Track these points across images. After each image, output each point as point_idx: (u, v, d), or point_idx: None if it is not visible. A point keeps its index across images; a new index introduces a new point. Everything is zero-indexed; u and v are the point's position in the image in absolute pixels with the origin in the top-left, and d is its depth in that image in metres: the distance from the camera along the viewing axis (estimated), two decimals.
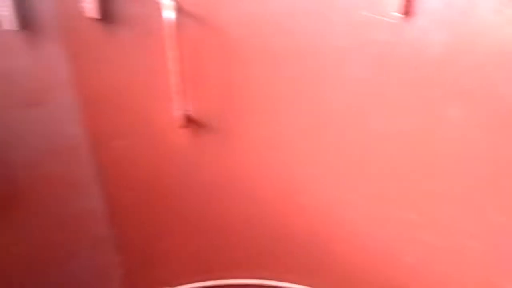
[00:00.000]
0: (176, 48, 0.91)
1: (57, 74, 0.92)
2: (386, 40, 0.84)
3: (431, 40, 0.80)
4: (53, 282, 1.16)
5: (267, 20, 0.93)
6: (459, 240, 0.95)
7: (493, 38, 0.74)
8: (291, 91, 1.00)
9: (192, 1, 0.92)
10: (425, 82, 0.84)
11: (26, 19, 0.84)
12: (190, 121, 1.05)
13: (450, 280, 1.01)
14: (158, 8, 0.90)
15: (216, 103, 1.04)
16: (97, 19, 0.90)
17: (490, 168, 0.84)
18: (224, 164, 1.14)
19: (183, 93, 0.98)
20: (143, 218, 1.18)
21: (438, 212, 0.95)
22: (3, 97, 0.86)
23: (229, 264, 1.31)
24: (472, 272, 0.96)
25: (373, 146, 0.97)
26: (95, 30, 0.91)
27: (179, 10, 0.90)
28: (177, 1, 0.90)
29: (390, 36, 0.83)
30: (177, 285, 1.31)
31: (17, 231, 1.01)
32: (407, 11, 0.80)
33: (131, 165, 1.09)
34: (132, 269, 1.26)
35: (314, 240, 1.21)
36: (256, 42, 0.95)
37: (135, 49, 0.95)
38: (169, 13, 0.88)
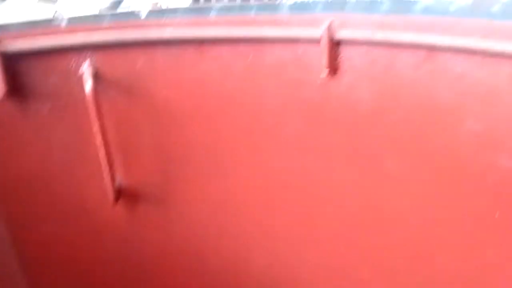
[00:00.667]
0: (100, 120, 0.85)
1: None
2: (315, 97, 0.84)
3: (358, 96, 0.80)
4: None
5: (197, 82, 0.90)
6: None
7: (414, 93, 0.76)
8: (227, 152, 0.97)
9: (116, 70, 0.88)
10: (359, 136, 0.84)
11: None
12: (123, 194, 0.97)
13: None
14: (79, 80, 0.84)
15: (149, 171, 0.98)
16: (6, 96, 0.82)
17: (428, 218, 0.83)
18: (163, 234, 1.06)
19: (112, 165, 0.91)
20: None
21: (386, 266, 0.93)
22: None
23: None
24: None
25: (313, 204, 0.94)
26: (5, 107, 0.83)
27: (102, 79, 0.85)
28: (98, 71, 0.86)
29: (318, 94, 0.83)
30: None
31: None
32: (333, 69, 0.81)
33: (61, 251, 0.98)
34: None
35: None
36: (186, 105, 0.92)
37: (56, 126, 0.88)
38: (89, 84, 0.83)
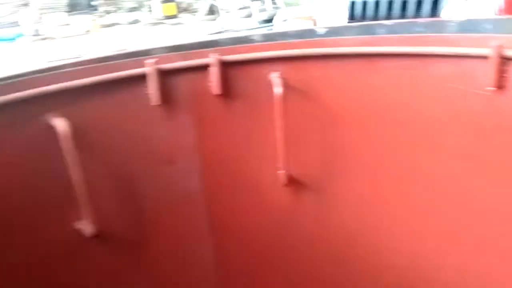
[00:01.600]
0: (282, 118, 1.06)
1: (185, 139, 1.11)
2: (479, 110, 0.91)
3: None
4: None
5: (364, 91, 1.05)
6: None
7: None
8: (386, 156, 1.08)
9: (297, 78, 1.08)
10: None
11: (166, 96, 1.05)
12: (291, 180, 1.17)
13: None
14: (268, 85, 1.07)
15: (315, 165, 1.16)
16: (218, 95, 1.09)
17: None
18: (318, 221, 1.23)
19: (286, 156, 1.12)
20: (244, 267, 1.29)
21: None
22: (145, 157, 1.07)
23: None
24: None
25: (462, 212, 1.00)
26: (216, 103, 1.10)
27: (286, 86, 1.06)
28: (283, 78, 1.07)
29: (482, 107, 0.90)
30: None
31: (143, 272, 1.17)
32: (500, 84, 0.87)
33: (238, 219, 1.23)
34: None
35: None
36: (352, 110, 1.07)
37: (247, 119, 1.12)
38: (277, 89, 1.04)
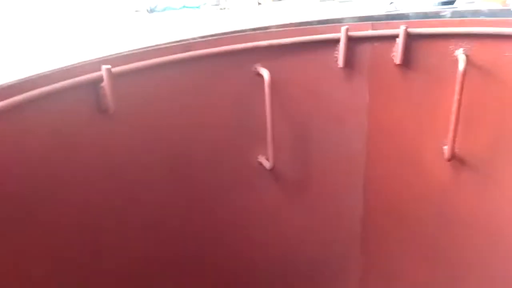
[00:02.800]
0: (461, 94, 1.09)
1: (359, 102, 1.23)
2: None
3: None
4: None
5: None
6: None
7: None
8: None
9: (483, 57, 1.09)
10: None
11: (350, 61, 1.18)
12: (455, 158, 1.20)
13: None
14: (451, 61, 1.10)
15: (483, 146, 1.16)
16: (398, 65, 1.17)
17: None
18: (477, 202, 1.23)
19: (455, 132, 1.15)
20: (389, 229, 1.38)
21: None
22: (322, 113, 1.22)
23: None
24: None
25: None
26: (394, 73, 1.18)
27: (470, 63, 1.09)
28: (468, 56, 1.09)
29: None
30: None
31: (299, 210, 1.36)
32: None
33: (392, 184, 1.32)
34: (370, 271, 1.47)
35: None
36: None
37: (422, 92, 1.18)
38: (461, 65, 1.07)
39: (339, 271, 1.49)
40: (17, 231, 0.83)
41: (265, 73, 1.13)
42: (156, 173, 1.08)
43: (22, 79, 0.77)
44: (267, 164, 1.23)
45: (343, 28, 1.13)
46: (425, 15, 1.17)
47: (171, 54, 1.02)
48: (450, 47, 1.11)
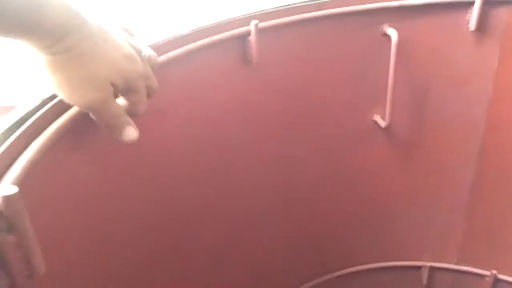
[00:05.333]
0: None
1: (487, 66, 1.21)
2: None
3: None
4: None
5: None
6: None
7: None
8: None
9: None
10: None
11: (482, 24, 1.16)
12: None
13: None
14: None
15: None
16: None
17: None
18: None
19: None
20: (499, 201, 1.37)
21: None
22: (445, 74, 1.23)
23: None
24: None
25: None
26: None
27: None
28: None
29: None
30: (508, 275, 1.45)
31: (414, 167, 1.40)
32: None
33: (510, 156, 1.30)
34: (470, 239, 1.48)
35: None
36: None
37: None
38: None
39: (440, 234, 1.52)
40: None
41: (392, 33, 1.15)
42: (281, 120, 1.18)
43: (191, 30, 0.89)
44: (382, 123, 1.28)
45: None
46: None
47: (306, 12, 1.09)
48: None
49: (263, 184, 1.22)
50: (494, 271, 1.48)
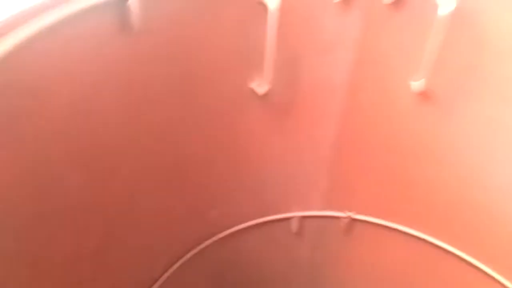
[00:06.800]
0: (441, 33, 1.23)
1: (350, 34, 1.33)
2: None
3: None
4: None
5: None
6: None
7: None
8: None
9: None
10: None
11: None
12: (425, 93, 1.38)
13: None
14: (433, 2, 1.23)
15: (453, 81, 1.34)
16: (388, 4, 1.27)
17: None
18: (438, 131, 1.45)
19: (427, 68, 1.31)
20: (358, 153, 1.58)
21: None
22: (313, 44, 1.31)
23: (408, 213, 1.65)
24: None
25: None
26: (385, 11, 1.28)
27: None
28: None
29: None
30: (361, 214, 1.71)
31: (284, 135, 1.49)
32: None
33: (369, 114, 1.48)
34: (333, 188, 1.68)
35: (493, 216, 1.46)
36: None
37: (406, 30, 1.30)
38: (442, 10, 1.20)
39: (307, 186, 1.69)
40: None
41: (269, 1, 1.16)
42: (165, 88, 1.12)
43: None
44: (259, 90, 1.32)
45: None
46: None
47: None
48: None
49: (148, 158, 1.16)
50: (349, 213, 1.72)
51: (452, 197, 1.53)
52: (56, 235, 0.97)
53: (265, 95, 1.33)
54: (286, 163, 1.60)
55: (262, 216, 1.69)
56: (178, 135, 1.25)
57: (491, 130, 1.35)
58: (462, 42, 1.26)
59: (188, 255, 1.55)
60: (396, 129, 1.50)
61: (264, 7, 1.18)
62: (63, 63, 0.80)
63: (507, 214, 1.43)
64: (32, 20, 0.72)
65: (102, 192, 1.07)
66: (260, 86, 1.31)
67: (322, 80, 1.42)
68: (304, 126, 1.52)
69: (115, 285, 1.28)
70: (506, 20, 1.19)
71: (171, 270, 1.51)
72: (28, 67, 0.58)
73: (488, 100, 1.31)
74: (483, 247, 1.54)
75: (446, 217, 1.60)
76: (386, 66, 1.39)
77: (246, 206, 1.63)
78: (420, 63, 1.31)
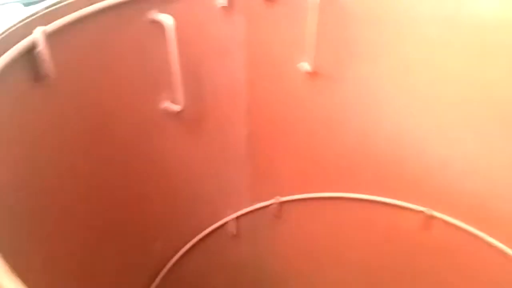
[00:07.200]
0: (315, 19, 1.39)
1: (238, 35, 1.40)
2: None
3: None
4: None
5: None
6: None
7: None
8: (385, 48, 1.49)
9: None
10: None
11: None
12: (313, 72, 1.54)
13: None
14: None
15: (332, 56, 1.53)
16: (266, 0, 1.38)
17: None
18: (330, 102, 1.63)
19: (311, 50, 1.47)
20: (270, 142, 1.68)
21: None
22: (209, 49, 1.35)
23: (324, 180, 1.82)
24: None
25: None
26: (264, 7, 1.39)
27: None
28: None
29: None
30: (286, 195, 1.82)
31: (198, 148, 1.50)
32: None
33: (270, 103, 1.59)
34: (256, 180, 1.76)
35: (388, 162, 1.72)
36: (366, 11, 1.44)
37: (285, 21, 1.43)
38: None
39: (233, 187, 1.73)
40: None
41: (164, 18, 1.17)
42: (81, 127, 1.05)
43: None
44: (173, 108, 1.31)
45: None
46: None
47: (78, 9, 0.96)
48: None
49: (78, 208, 1.07)
50: (278, 197, 1.82)
51: (352, 154, 1.74)
52: None
53: (180, 111, 1.33)
54: (209, 173, 1.62)
55: (201, 231, 1.68)
56: (101, 176, 1.16)
57: (369, 92, 1.59)
58: (333, 22, 1.45)
59: None
60: (296, 110, 1.65)
61: (159, 25, 1.17)
62: None
63: (396, 155, 1.69)
64: None
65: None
66: (172, 104, 1.30)
67: (225, 84, 1.47)
68: (218, 132, 1.55)
69: None
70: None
71: None
72: None
73: (364, 67, 1.54)
74: (388, 188, 1.80)
75: (351, 173, 1.80)
76: (275, 55, 1.51)
77: (184, 227, 1.60)
78: (303, 47, 1.47)
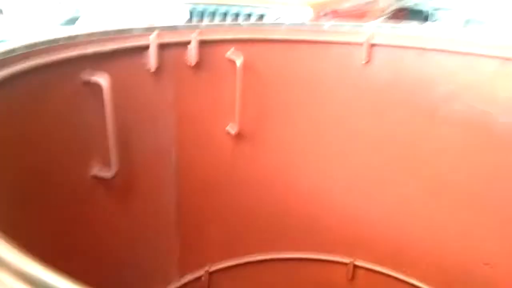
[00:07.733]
0: (238, 84, 1.49)
1: (166, 100, 1.42)
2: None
3: None
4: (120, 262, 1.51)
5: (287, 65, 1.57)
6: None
7: None
8: (299, 110, 1.64)
9: (255, 56, 1.51)
10: None
11: (159, 64, 1.35)
12: (238, 134, 1.60)
13: None
14: (230, 60, 1.48)
15: (254, 119, 1.62)
16: (192, 66, 1.44)
17: None
18: (254, 163, 1.69)
19: (235, 113, 1.55)
20: (201, 202, 1.64)
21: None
22: (139, 113, 1.33)
23: (253, 243, 1.81)
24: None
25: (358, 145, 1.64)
26: (191, 72, 1.45)
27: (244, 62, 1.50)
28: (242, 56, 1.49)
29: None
30: (219, 261, 1.75)
31: (127, 218, 1.40)
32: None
33: (198, 165, 1.58)
34: (187, 250, 1.67)
35: (311, 218, 1.80)
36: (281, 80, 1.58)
37: (211, 85, 1.50)
38: (238, 61, 1.47)
39: (161, 255, 1.62)
40: None
41: (101, 80, 1.13)
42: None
43: None
44: (105, 174, 1.23)
45: (153, 36, 1.29)
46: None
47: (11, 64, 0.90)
48: (225, 49, 1.48)
49: None
50: (209, 266, 1.75)
51: (277, 213, 1.79)
52: None
53: (112, 178, 1.24)
54: (138, 242, 1.50)
55: None
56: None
57: (287, 152, 1.70)
58: (253, 86, 1.56)
59: None
60: (222, 172, 1.66)
61: (93, 86, 1.13)
62: None
63: (316, 211, 1.79)
64: None
65: None
66: (104, 169, 1.22)
67: (155, 148, 1.44)
68: (149, 197, 1.48)
69: None
70: (276, 64, 1.57)
71: None
72: None
73: (281, 128, 1.66)
74: (315, 243, 1.86)
75: (278, 232, 1.84)
76: (204, 118, 1.54)
77: None
78: (228, 110, 1.53)
